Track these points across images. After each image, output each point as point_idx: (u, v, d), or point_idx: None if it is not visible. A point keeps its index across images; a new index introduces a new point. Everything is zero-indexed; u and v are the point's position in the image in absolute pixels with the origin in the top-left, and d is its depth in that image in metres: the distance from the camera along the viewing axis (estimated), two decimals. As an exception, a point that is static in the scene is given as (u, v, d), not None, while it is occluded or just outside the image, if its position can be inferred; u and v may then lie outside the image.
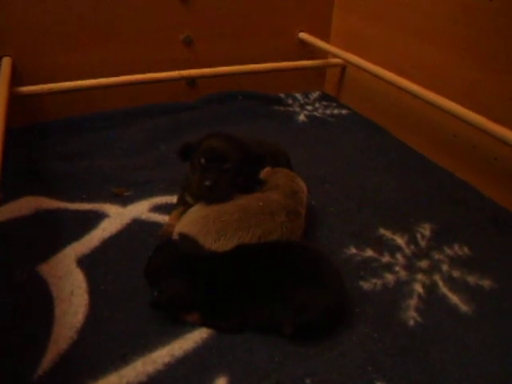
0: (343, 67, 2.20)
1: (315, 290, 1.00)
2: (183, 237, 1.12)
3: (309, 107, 2.16)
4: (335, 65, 2.20)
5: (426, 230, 1.35)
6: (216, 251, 1.09)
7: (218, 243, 1.11)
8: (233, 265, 1.05)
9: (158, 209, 1.38)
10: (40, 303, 1.06)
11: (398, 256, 1.25)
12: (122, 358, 0.94)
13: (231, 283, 1.02)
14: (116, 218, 1.33)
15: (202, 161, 1.19)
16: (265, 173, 1.31)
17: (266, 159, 1.29)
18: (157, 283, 1.03)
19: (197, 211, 1.19)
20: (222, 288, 1.02)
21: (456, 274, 1.20)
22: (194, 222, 1.15)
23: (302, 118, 2.05)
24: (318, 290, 1.00)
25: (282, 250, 1.09)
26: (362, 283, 1.16)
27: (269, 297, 1.00)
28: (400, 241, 1.31)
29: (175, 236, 1.16)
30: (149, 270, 1.06)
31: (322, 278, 1.03)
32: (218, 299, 1.02)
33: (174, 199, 1.38)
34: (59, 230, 1.28)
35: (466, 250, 1.28)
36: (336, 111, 2.12)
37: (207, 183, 1.17)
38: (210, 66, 1.97)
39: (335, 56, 2.11)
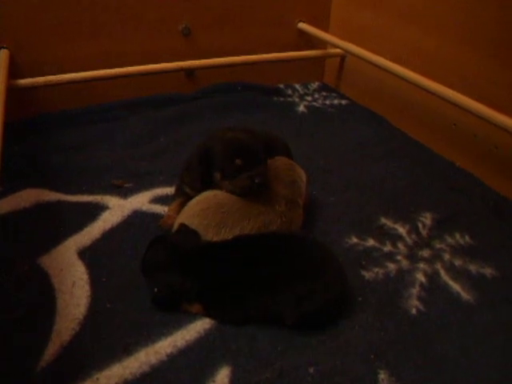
0: (343, 57, 2.18)
1: (316, 281, 1.00)
2: (183, 228, 1.12)
3: (308, 98, 2.15)
4: (334, 55, 2.19)
5: (427, 219, 1.35)
6: (213, 242, 1.09)
7: (218, 236, 1.11)
8: (231, 255, 1.05)
9: (158, 200, 1.38)
10: (42, 295, 1.06)
11: (400, 245, 1.25)
12: (124, 349, 0.94)
13: (230, 274, 1.02)
14: (117, 209, 1.33)
15: (238, 161, 1.15)
16: None
17: (271, 145, 1.28)
18: (154, 280, 1.04)
19: (196, 204, 1.18)
20: (220, 279, 1.02)
21: (457, 262, 1.20)
22: (194, 215, 1.14)
23: (301, 108, 2.04)
24: (318, 280, 1.00)
25: (282, 240, 1.08)
26: (363, 272, 1.16)
27: (269, 287, 1.00)
28: (401, 230, 1.30)
29: (175, 228, 1.16)
30: (145, 267, 1.06)
31: (322, 269, 1.03)
32: (218, 290, 1.02)
33: (174, 190, 1.37)
34: (60, 222, 1.28)
35: (467, 238, 1.28)
36: (336, 101, 2.12)
37: (258, 181, 1.14)
38: (208, 57, 1.96)
39: (334, 46, 2.10)
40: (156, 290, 1.02)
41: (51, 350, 0.94)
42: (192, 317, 1.02)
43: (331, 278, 1.03)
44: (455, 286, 1.13)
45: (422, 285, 1.13)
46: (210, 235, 1.10)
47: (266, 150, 1.22)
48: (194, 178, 1.24)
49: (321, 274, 1.02)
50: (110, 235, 1.24)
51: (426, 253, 1.23)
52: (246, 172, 1.15)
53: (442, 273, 1.17)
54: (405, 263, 1.19)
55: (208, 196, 1.18)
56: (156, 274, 1.04)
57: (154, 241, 1.09)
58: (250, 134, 1.22)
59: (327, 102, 2.11)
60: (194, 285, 1.01)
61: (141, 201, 1.37)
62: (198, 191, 1.22)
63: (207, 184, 1.21)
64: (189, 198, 1.23)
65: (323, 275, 1.01)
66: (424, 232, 1.30)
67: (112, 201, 1.37)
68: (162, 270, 1.03)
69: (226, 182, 1.18)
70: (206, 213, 1.13)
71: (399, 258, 1.21)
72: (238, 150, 1.16)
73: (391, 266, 1.18)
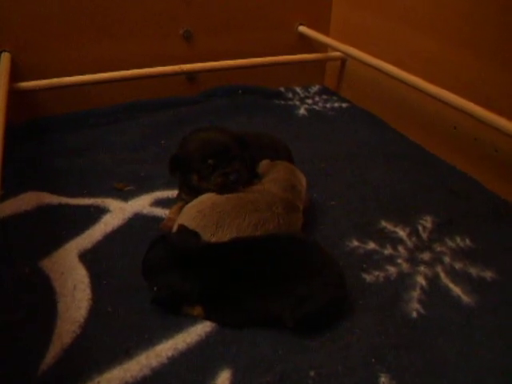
0: (343, 60, 2.19)
1: (314, 283, 1.00)
2: (182, 229, 1.12)
3: (309, 101, 2.15)
4: (335, 58, 2.20)
5: (427, 222, 1.35)
6: (212, 243, 1.09)
7: (216, 235, 1.11)
8: (231, 257, 1.05)
9: (159, 203, 1.38)
10: (43, 298, 1.06)
11: (400, 248, 1.25)
12: (125, 352, 0.94)
13: (229, 276, 1.02)
14: (118, 212, 1.33)
15: (211, 161, 1.17)
16: (263, 166, 1.31)
17: (247, 142, 1.28)
18: (155, 280, 1.03)
19: (192, 207, 1.18)
20: (220, 281, 1.02)
21: (458, 265, 1.20)
22: (190, 217, 1.14)
23: (302, 111, 2.05)
24: (316, 282, 1.00)
25: (282, 242, 1.09)
26: (364, 275, 1.16)
27: (270, 290, 1.00)
28: (402, 233, 1.31)
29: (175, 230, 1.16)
30: (145, 268, 1.06)
31: (320, 271, 1.03)
32: (217, 292, 1.02)
33: (174, 193, 1.38)
34: (61, 226, 1.28)
35: (467, 241, 1.28)
36: (336, 105, 2.12)
37: (232, 178, 1.16)
38: (209, 61, 1.96)
39: (335, 49, 2.10)
40: (155, 288, 1.02)
41: (52, 352, 0.94)
42: (193, 320, 1.02)
43: (331, 280, 1.02)
44: (456, 289, 1.13)
45: (422, 288, 1.13)
46: (207, 235, 1.10)
47: (240, 146, 1.23)
48: (179, 185, 1.28)
49: (320, 276, 1.02)
50: (111, 238, 1.25)
51: (426, 256, 1.23)
52: (220, 170, 1.18)
53: (443, 276, 1.17)
54: (405, 266, 1.19)
55: (202, 199, 1.19)
56: (156, 275, 1.04)
57: (155, 241, 1.09)
58: (220, 131, 1.23)
59: (328, 105, 2.11)
60: (195, 286, 1.01)
61: (142, 204, 1.38)
62: (193, 196, 1.23)
63: (191, 188, 1.24)
64: (187, 202, 1.24)
65: (323, 277, 1.01)
66: (424, 235, 1.30)
67: (113, 204, 1.37)
68: (163, 270, 1.03)
69: (203, 182, 1.21)
70: (202, 214, 1.14)
71: (400, 261, 1.21)
72: (208, 150, 1.19)
73: (392, 269, 1.18)
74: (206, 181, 1.20)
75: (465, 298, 1.11)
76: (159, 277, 1.03)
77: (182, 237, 1.08)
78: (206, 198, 1.19)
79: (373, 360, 0.95)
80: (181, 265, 1.02)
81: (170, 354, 0.95)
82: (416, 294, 1.11)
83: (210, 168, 1.18)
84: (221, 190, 1.18)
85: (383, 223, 1.34)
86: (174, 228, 1.16)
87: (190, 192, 1.25)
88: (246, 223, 1.12)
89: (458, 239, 1.29)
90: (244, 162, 1.23)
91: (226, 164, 1.18)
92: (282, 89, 2.23)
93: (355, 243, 1.26)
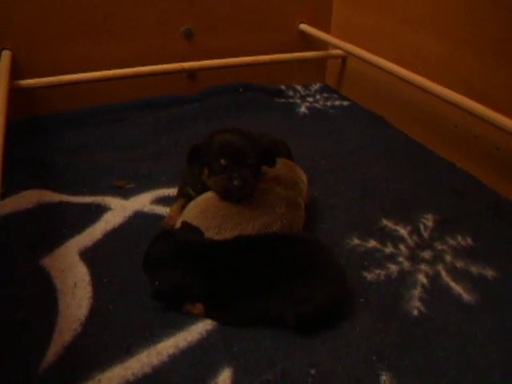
0: (344, 58, 2.19)
1: (315, 283, 1.00)
2: (185, 225, 1.12)
3: (310, 99, 2.15)
4: (336, 56, 2.20)
5: (428, 220, 1.35)
6: (216, 241, 1.09)
7: (219, 237, 1.10)
8: (232, 256, 1.05)
9: (160, 201, 1.38)
10: (44, 296, 1.06)
11: (401, 247, 1.25)
12: (126, 350, 0.94)
13: (231, 274, 1.02)
14: (118, 210, 1.33)
15: (223, 161, 1.14)
16: None
17: (275, 154, 1.26)
18: (156, 275, 1.03)
19: (195, 206, 1.18)
20: (222, 278, 1.02)
21: (459, 264, 1.20)
22: (193, 217, 1.14)
23: (302, 109, 2.04)
24: (318, 282, 1.00)
25: (283, 241, 1.08)
26: (365, 274, 1.16)
27: (270, 289, 1.00)
28: (403, 231, 1.30)
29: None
30: (146, 263, 1.06)
31: (322, 270, 1.03)
32: (219, 290, 1.02)
33: (175, 191, 1.37)
34: (62, 223, 1.28)
35: (468, 240, 1.28)
36: (337, 103, 2.12)
37: (236, 183, 1.12)
38: (210, 59, 1.96)
39: (336, 47, 2.10)
40: (157, 283, 1.01)
41: (53, 350, 0.94)
42: (194, 318, 1.02)
43: (330, 279, 1.02)
44: (457, 288, 1.13)
45: (423, 286, 1.13)
46: (210, 236, 1.10)
47: (261, 157, 1.20)
48: (187, 174, 1.29)
49: (320, 275, 1.01)
50: (111, 236, 1.25)
51: (427, 254, 1.23)
52: (228, 172, 1.15)
53: (444, 274, 1.17)
54: (406, 264, 1.19)
55: (206, 198, 1.18)
56: (157, 269, 1.03)
57: (158, 235, 1.09)
58: (247, 138, 1.19)
59: (328, 104, 2.11)
60: (196, 282, 1.01)
61: (142, 202, 1.37)
62: (199, 192, 1.22)
63: (201, 182, 1.22)
64: (191, 199, 1.23)
65: (322, 277, 1.01)
66: (425, 233, 1.30)
67: (114, 202, 1.37)
68: (164, 264, 1.03)
69: (211, 179, 1.18)
70: (206, 215, 1.13)
71: (401, 259, 1.21)
72: (226, 150, 1.16)
73: (393, 268, 1.18)
74: (214, 178, 1.18)
75: (466, 297, 1.11)
76: (160, 271, 1.02)
77: (185, 232, 1.08)
78: (209, 198, 1.18)
79: (374, 358, 0.95)
80: (183, 260, 1.02)
81: (171, 351, 0.95)
82: (417, 292, 1.11)
83: (221, 167, 1.15)
84: (223, 194, 1.16)
85: (384, 221, 1.34)
86: (177, 226, 1.15)
87: (197, 187, 1.24)
88: (249, 228, 1.11)
89: (459, 237, 1.29)
90: (257, 172, 1.20)
91: (237, 169, 1.14)
92: (283, 87, 2.23)
93: (356, 241, 1.26)
